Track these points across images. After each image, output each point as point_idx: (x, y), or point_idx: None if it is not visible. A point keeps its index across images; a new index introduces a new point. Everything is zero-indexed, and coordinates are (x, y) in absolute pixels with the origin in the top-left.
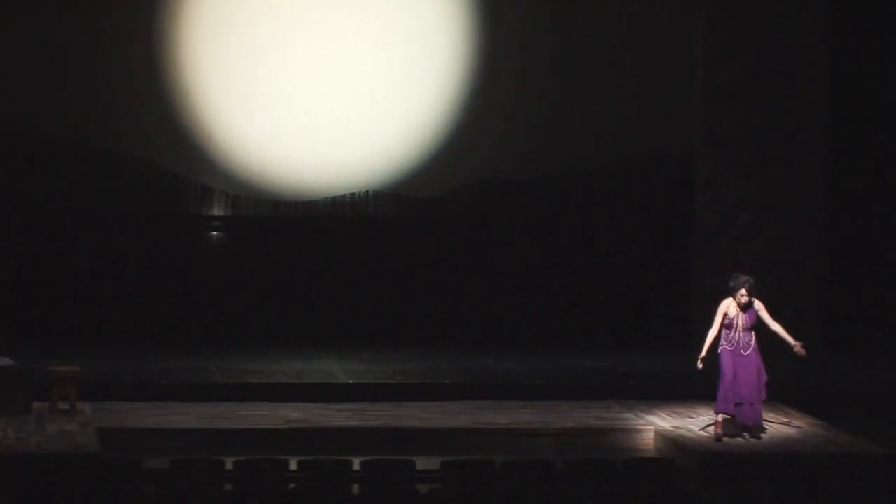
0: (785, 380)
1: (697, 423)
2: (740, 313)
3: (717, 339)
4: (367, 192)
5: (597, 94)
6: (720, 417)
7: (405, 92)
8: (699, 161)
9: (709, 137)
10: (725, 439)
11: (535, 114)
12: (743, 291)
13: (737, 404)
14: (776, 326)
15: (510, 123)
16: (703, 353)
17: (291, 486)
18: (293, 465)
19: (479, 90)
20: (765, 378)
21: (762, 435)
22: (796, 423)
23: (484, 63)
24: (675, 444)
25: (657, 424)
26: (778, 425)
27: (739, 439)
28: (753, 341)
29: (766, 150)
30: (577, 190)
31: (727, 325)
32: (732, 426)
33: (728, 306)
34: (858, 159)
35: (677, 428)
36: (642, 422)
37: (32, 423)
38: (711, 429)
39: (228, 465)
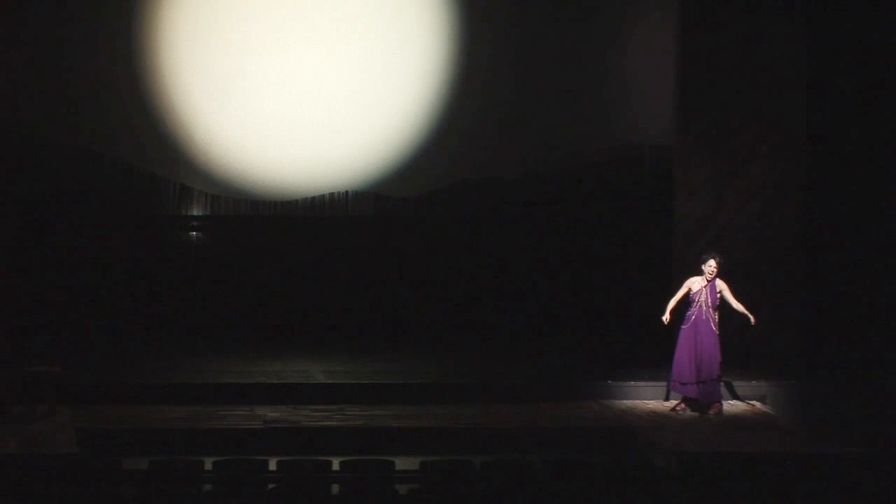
0: (764, 379)
1: (676, 418)
2: (704, 289)
3: (678, 306)
4: (347, 192)
5: (576, 94)
6: (681, 397)
7: (384, 92)
8: (677, 162)
9: (686, 138)
10: (705, 439)
11: (514, 113)
12: (712, 262)
13: (687, 383)
14: (738, 305)
15: (489, 123)
16: (667, 314)
17: (270, 486)
18: (272, 466)
19: (458, 90)
20: (719, 358)
21: (719, 413)
22: (773, 416)
23: (462, 63)
24: (654, 445)
25: (637, 424)
26: (756, 424)
27: (719, 439)
28: (714, 321)
29: (743, 150)
30: (557, 190)
31: (690, 300)
32: (693, 405)
33: (693, 282)
34: (836, 159)
35: (657, 428)
36: (622, 422)
37: (11, 424)
38: (675, 404)
39: (207, 466)
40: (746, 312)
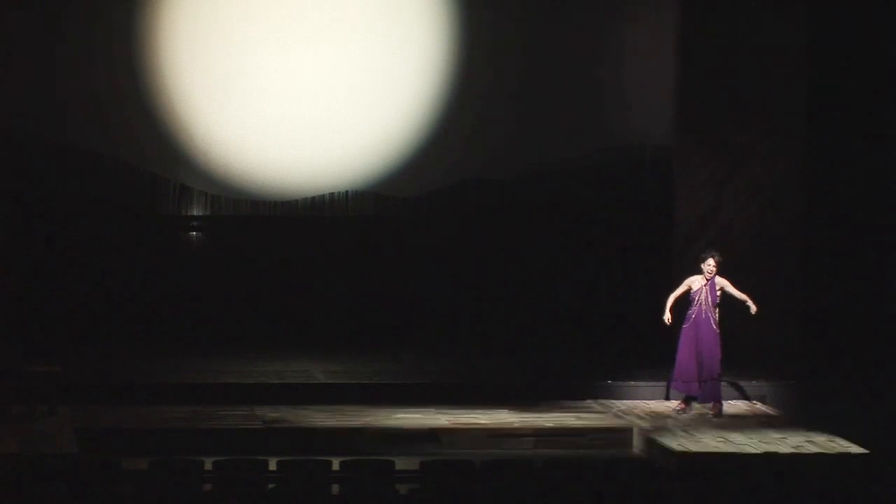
0: (764, 379)
1: (676, 418)
2: (704, 288)
3: (679, 305)
4: (346, 192)
5: (575, 95)
6: (682, 397)
7: (384, 92)
8: (677, 162)
9: (686, 138)
10: (705, 439)
11: (513, 113)
12: (711, 261)
13: (689, 381)
14: (741, 295)
15: (489, 123)
16: (667, 313)
17: (271, 486)
18: (272, 466)
19: (458, 90)
20: (719, 356)
21: (719, 413)
22: (773, 416)
23: (462, 63)
24: (654, 445)
25: (637, 424)
26: (756, 424)
27: (719, 440)
28: (714, 320)
29: (743, 150)
30: (557, 190)
31: (690, 299)
32: (694, 404)
33: (693, 281)
34: (836, 159)
35: (657, 428)
36: (622, 422)
37: (11, 424)
38: (676, 404)
39: (207, 466)
40: (749, 301)
